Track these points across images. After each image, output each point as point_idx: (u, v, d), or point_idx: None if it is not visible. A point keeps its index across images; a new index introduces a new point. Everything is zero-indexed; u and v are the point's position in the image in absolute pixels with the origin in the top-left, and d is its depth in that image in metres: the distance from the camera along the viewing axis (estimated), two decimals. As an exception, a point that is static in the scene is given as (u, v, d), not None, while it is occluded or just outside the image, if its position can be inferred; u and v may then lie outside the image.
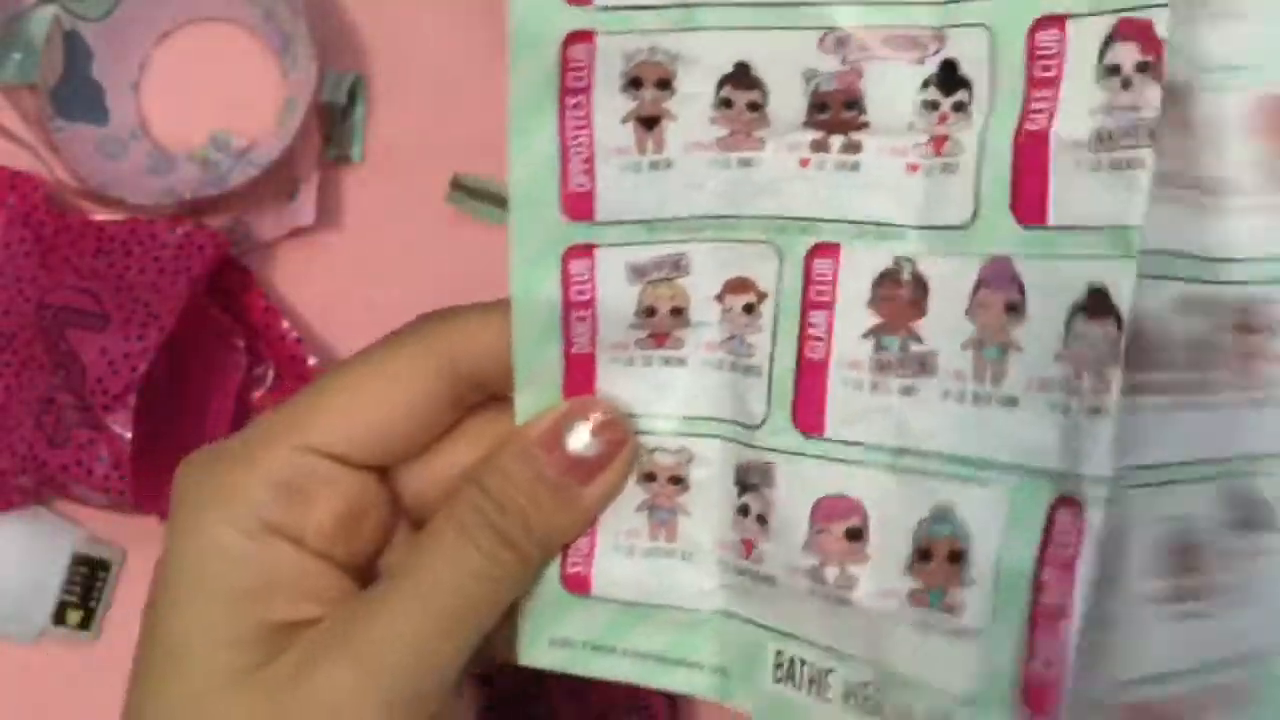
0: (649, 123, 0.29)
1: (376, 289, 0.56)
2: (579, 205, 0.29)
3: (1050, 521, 0.26)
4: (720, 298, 0.30)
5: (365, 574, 0.31)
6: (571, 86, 0.29)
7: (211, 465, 0.30)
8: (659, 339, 0.30)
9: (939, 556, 0.27)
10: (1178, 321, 0.28)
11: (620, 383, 0.30)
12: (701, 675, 0.30)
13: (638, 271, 0.30)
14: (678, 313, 0.30)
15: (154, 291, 0.51)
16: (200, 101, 0.57)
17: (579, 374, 0.30)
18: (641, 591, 0.31)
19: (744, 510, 0.30)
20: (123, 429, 0.50)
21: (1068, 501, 0.26)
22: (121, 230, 0.52)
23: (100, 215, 0.54)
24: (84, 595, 0.54)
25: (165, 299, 0.50)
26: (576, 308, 0.30)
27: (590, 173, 0.29)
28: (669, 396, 0.30)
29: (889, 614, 0.28)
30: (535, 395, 0.30)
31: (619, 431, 0.30)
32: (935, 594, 0.27)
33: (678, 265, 0.30)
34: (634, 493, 0.30)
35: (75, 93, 0.55)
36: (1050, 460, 0.26)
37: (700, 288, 0.30)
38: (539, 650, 0.32)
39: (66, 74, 0.54)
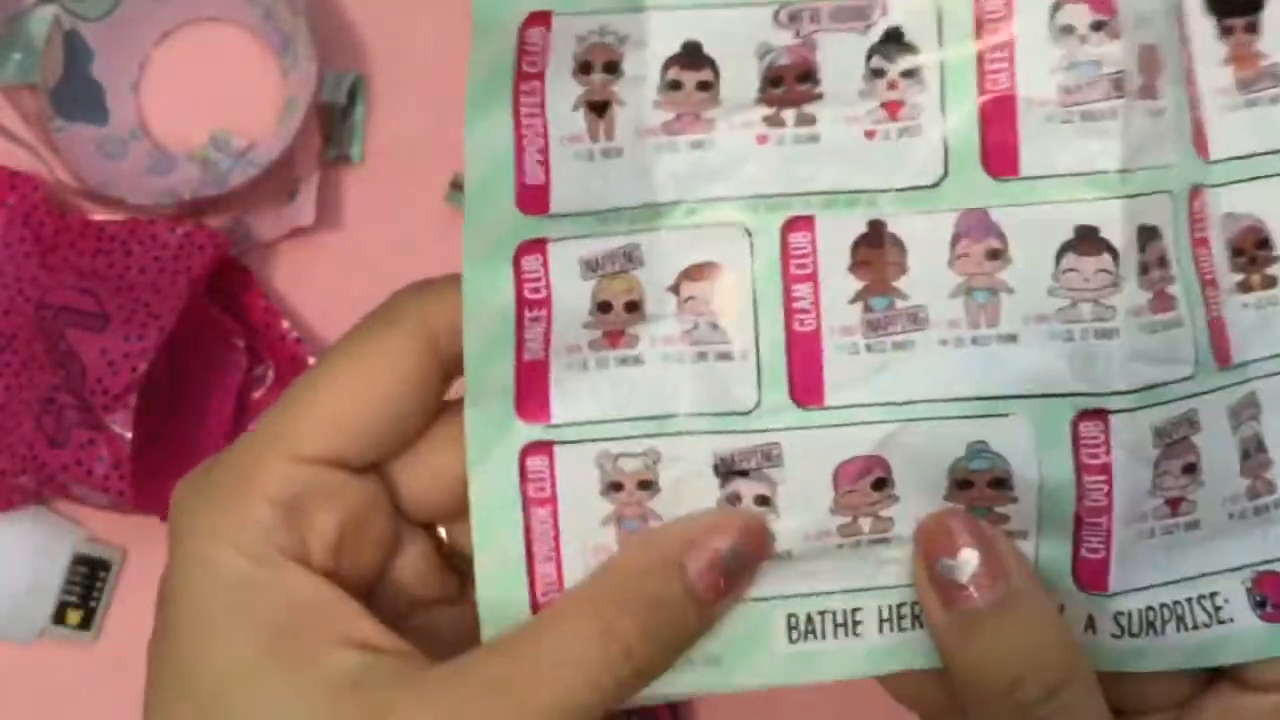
0: (599, 108, 0.29)
1: (376, 289, 0.55)
2: (533, 199, 0.28)
3: (1076, 433, 0.28)
4: (676, 288, 0.29)
5: (372, 588, 0.30)
6: (527, 72, 0.28)
7: (210, 487, 0.28)
8: (613, 338, 0.29)
9: (980, 484, 0.29)
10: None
11: (575, 392, 0.29)
12: (693, 672, 0.29)
13: (589, 265, 0.29)
14: (633, 307, 0.29)
15: (154, 291, 0.51)
16: (200, 101, 0.57)
17: (531, 385, 0.29)
18: None
19: (734, 499, 0.29)
20: (123, 429, 0.50)
21: (1090, 414, 0.28)
22: (121, 230, 0.52)
23: (100, 215, 0.54)
24: (84, 595, 0.54)
25: (165, 299, 0.50)
26: (530, 306, 0.28)
27: (545, 164, 0.28)
28: (629, 399, 0.29)
29: None
30: (485, 411, 0.29)
31: (761, 543, 0.29)
32: (980, 510, 0.29)
33: (630, 257, 0.29)
34: (599, 506, 0.29)
35: (75, 93, 0.55)
36: (1063, 384, 0.28)
37: (654, 280, 0.29)
38: None
39: (66, 74, 0.55)
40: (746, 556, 0.28)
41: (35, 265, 0.53)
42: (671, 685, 0.29)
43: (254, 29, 0.57)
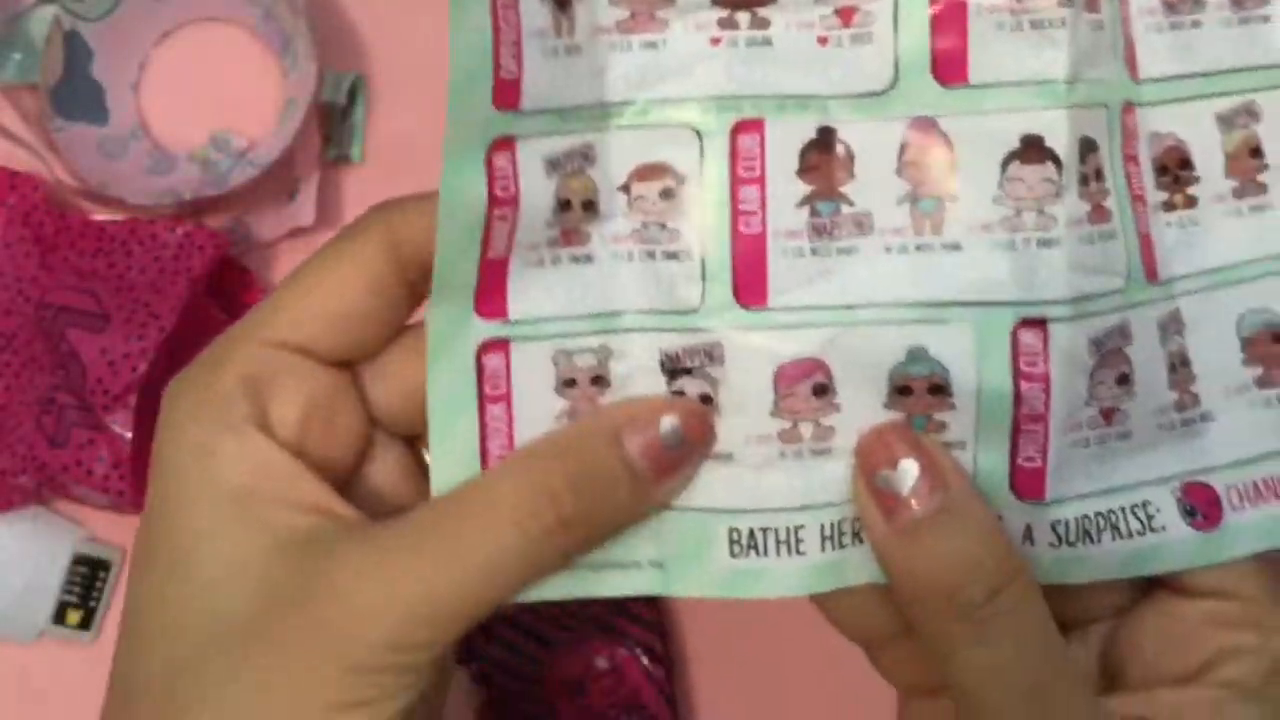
0: (562, 3, 0.29)
1: (376, 289, 0.56)
2: (507, 93, 0.28)
3: (1015, 341, 0.29)
4: (626, 187, 0.29)
5: (348, 485, 0.31)
6: None
7: (189, 377, 0.30)
8: (568, 236, 0.29)
9: (919, 391, 0.29)
10: (1218, 136, 0.31)
11: (532, 289, 0.29)
12: (639, 574, 0.30)
13: (552, 164, 0.29)
14: (589, 206, 0.29)
15: (154, 291, 0.51)
16: (200, 101, 0.57)
17: (491, 282, 0.29)
18: None
19: (679, 395, 0.30)
20: (123, 429, 0.50)
21: (1030, 323, 0.29)
22: (121, 230, 0.52)
23: (100, 215, 0.54)
24: (84, 595, 0.54)
25: (165, 299, 0.50)
26: (500, 204, 0.28)
27: (518, 58, 0.28)
28: (582, 296, 0.29)
29: None
30: (447, 308, 0.29)
31: (703, 426, 0.29)
32: (919, 420, 0.29)
33: (587, 156, 0.29)
34: (553, 402, 0.29)
35: (75, 93, 0.55)
36: (1005, 292, 0.29)
37: (606, 179, 0.29)
38: None
39: (66, 74, 0.55)
40: (688, 439, 0.29)
41: (35, 265, 0.53)
42: (616, 584, 0.29)
43: (254, 29, 0.57)
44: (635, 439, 0.29)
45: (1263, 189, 0.31)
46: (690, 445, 0.29)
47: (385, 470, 0.32)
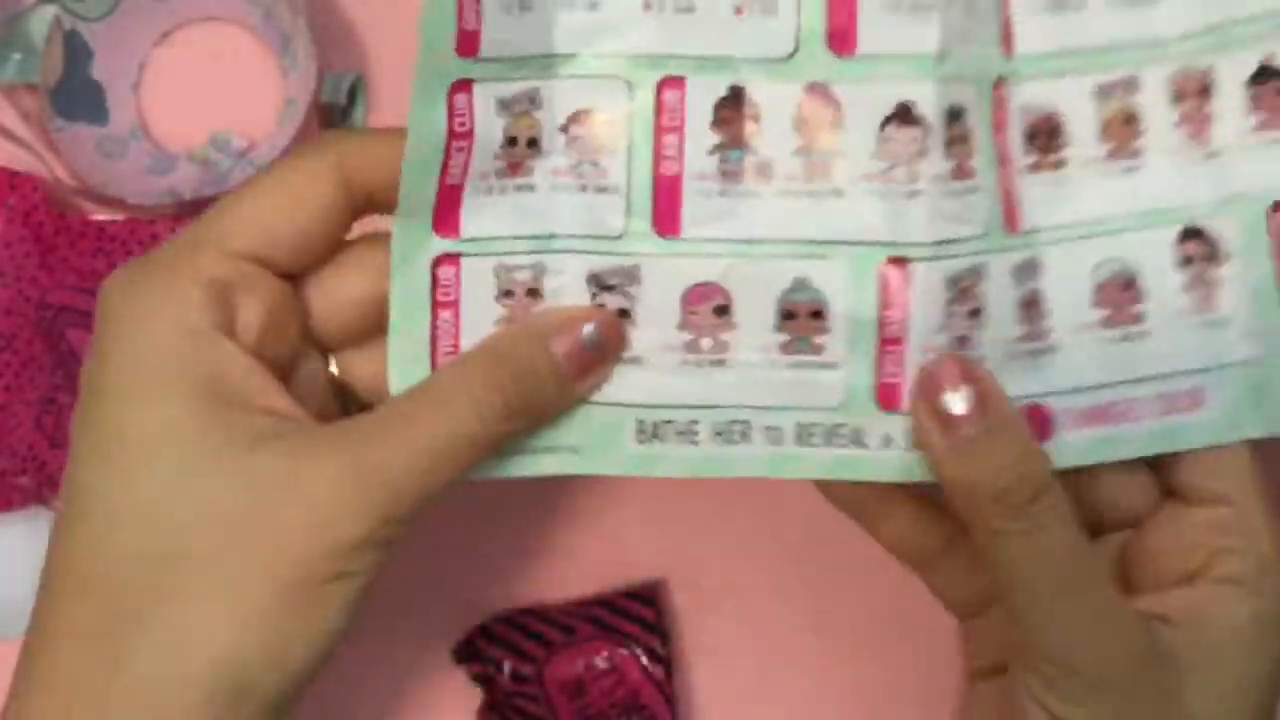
0: None
1: (376, 289, 0.55)
2: (468, 43, 0.33)
3: (883, 278, 0.34)
4: (565, 128, 0.34)
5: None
6: None
7: (138, 279, 0.32)
8: (514, 168, 0.34)
9: (802, 315, 0.34)
10: (1093, 106, 0.35)
11: (481, 212, 0.34)
12: (563, 456, 0.35)
13: (503, 104, 0.34)
14: (533, 143, 0.34)
15: (154, 291, 0.51)
16: (200, 101, 0.57)
17: (447, 205, 0.34)
18: None
19: (600, 307, 0.35)
20: (123, 429, 0.50)
21: (895, 261, 0.34)
22: (121, 230, 0.53)
23: (100, 215, 0.55)
24: (84, 595, 0.54)
25: (165, 299, 0.50)
26: (458, 138, 0.34)
27: (478, 12, 0.33)
28: (522, 219, 0.34)
29: (762, 363, 0.35)
30: (409, 225, 0.34)
31: (617, 333, 0.34)
32: (803, 341, 0.34)
33: (533, 100, 0.34)
34: (494, 309, 0.35)
35: (75, 93, 0.55)
36: (877, 235, 0.34)
37: (550, 120, 0.34)
38: None
39: (66, 74, 0.55)
40: (604, 342, 0.34)
41: (35, 265, 0.53)
42: (546, 465, 0.35)
43: (254, 29, 0.57)
44: (561, 342, 0.33)
45: (1136, 154, 0.35)
46: (606, 349, 0.34)
47: (303, 379, 0.35)
